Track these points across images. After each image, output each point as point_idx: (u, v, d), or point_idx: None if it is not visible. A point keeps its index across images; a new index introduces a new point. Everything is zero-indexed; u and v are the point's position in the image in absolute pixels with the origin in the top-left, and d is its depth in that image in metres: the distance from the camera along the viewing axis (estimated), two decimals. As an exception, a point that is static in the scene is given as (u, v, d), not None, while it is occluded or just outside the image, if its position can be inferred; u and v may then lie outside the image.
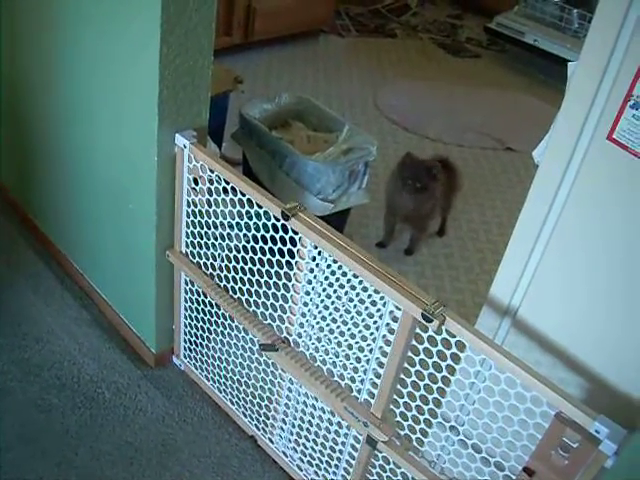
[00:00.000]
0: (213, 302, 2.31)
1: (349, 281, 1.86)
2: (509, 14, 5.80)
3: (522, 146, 4.63)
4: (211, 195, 2.11)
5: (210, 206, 2.13)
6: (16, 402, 2.42)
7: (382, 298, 1.74)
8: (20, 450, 2.28)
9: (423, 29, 6.38)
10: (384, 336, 1.78)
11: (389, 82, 5.33)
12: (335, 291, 1.92)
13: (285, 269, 1.97)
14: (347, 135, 3.11)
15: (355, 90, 5.12)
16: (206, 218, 2.17)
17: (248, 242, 2.05)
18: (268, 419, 2.38)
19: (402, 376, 1.77)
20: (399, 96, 5.18)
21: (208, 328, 2.45)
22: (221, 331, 2.42)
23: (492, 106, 5.23)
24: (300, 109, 3.39)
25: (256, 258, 2.03)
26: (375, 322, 1.81)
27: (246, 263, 2.08)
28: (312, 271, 1.92)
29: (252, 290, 2.13)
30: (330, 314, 1.96)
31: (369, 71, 5.44)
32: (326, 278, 1.91)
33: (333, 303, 1.95)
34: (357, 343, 1.92)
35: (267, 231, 1.95)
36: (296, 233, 1.86)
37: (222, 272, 2.22)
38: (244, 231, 2.07)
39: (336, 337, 1.98)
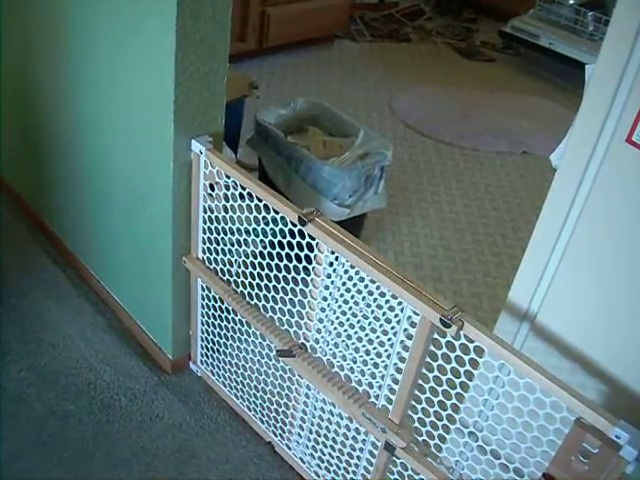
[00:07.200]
0: (230, 308, 2.31)
1: (366, 286, 1.85)
2: (524, 17, 5.79)
3: (538, 150, 4.62)
4: (227, 201, 2.11)
5: (227, 212, 2.13)
6: (32, 409, 2.42)
7: (400, 303, 1.73)
8: (36, 457, 2.28)
9: (437, 33, 6.39)
10: (402, 342, 1.77)
11: (404, 86, 5.32)
12: (352, 296, 1.91)
13: (302, 275, 1.96)
14: (363, 140, 3.10)
15: (370, 95, 5.12)
16: (222, 224, 2.17)
17: (265, 248, 2.04)
18: (285, 425, 2.37)
19: (420, 382, 1.76)
20: (414, 100, 5.17)
21: (225, 334, 2.44)
22: (238, 337, 2.42)
23: (507, 110, 5.21)
24: (315, 114, 3.39)
25: (273, 264, 2.02)
26: (393, 328, 1.80)
27: (263, 269, 2.08)
28: (329, 276, 1.91)
29: (269, 296, 2.12)
30: (347, 320, 1.96)
31: (384, 76, 5.44)
32: (343, 284, 1.90)
33: (350, 309, 1.94)
34: (375, 349, 1.91)
35: (284, 237, 1.94)
36: (313, 238, 1.86)
37: (239, 278, 2.22)
38: (261, 237, 2.06)
39: (353, 343, 1.97)
